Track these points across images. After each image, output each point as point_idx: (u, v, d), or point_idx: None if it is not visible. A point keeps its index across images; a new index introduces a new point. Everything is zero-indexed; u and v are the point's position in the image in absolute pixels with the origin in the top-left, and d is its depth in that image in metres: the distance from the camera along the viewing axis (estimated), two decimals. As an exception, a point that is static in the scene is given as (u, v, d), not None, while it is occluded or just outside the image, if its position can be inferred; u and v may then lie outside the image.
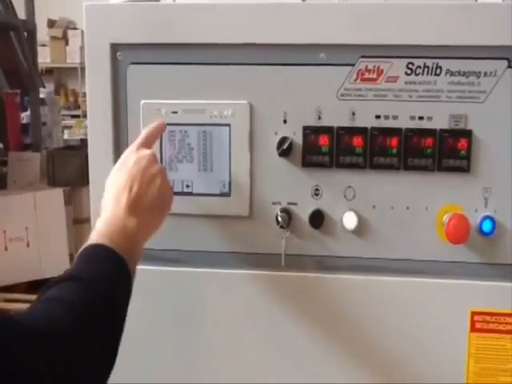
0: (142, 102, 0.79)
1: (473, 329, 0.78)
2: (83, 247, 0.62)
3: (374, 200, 0.78)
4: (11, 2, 3.62)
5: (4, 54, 3.60)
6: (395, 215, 0.78)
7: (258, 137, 0.78)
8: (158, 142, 0.80)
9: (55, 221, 3.18)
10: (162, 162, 0.80)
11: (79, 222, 3.39)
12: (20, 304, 2.90)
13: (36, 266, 3.14)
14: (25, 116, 3.58)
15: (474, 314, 0.78)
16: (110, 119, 0.80)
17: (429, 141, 0.75)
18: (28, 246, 3.17)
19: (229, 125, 0.78)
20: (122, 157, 0.72)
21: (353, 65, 0.76)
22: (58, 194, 3.21)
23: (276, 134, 0.78)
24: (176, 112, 0.79)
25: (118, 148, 0.81)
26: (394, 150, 0.76)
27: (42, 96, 3.46)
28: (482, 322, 0.78)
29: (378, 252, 0.79)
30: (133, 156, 0.70)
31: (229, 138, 0.79)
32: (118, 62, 0.79)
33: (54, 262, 3.22)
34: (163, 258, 0.81)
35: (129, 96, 0.80)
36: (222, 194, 0.80)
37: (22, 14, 3.47)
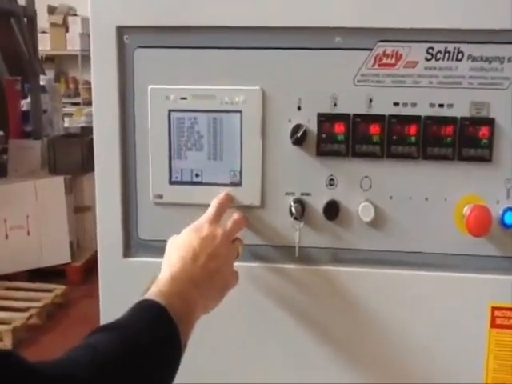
0: (150, 87, 0.76)
1: (493, 324, 0.76)
2: (141, 299, 0.60)
3: (392, 190, 0.75)
4: (11, -12, 3.56)
5: (4, 41, 3.57)
6: (413, 206, 0.75)
7: (270, 124, 0.75)
8: (166, 130, 0.77)
9: (56, 209, 3.16)
10: (170, 150, 0.77)
11: (80, 210, 3.37)
12: (21, 292, 2.91)
13: (37, 255, 3.13)
14: (25, 103, 3.55)
15: (494, 309, 0.76)
16: (117, 105, 0.77)
17: (449, 129, 0.72)
18: (29, 234, 3.16)
19: (240, 111, 0.75)
20: (196, 223, 0.71)
21: (370, 49, 0.72)
22: (58, 182, 3.19)
23: (290, 121, 0.75)
24: (185, 98, 0.76)
25: (125, 135, 0.78)
26: (413, 139, 0.73)
27: (42, 83, 3.43)
28: (502, 318, 0.76)
29: (395, 245, 0.76)
30: (208, 227, 0.69)
31: (240, 125, 0.75)
32: (124, 45, 0.76)
33: (55, 250, 3.21)
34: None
35: (136, 81, 0.77)
36: (233, 184, 0.77)
37: (22, 0, 3.43)
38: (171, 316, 0.59)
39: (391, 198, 0.75)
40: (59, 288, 2.92)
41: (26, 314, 2.67)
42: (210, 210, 0.73)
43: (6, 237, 3.13)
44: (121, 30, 0.76)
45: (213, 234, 0.69)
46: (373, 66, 0.73)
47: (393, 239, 0.76)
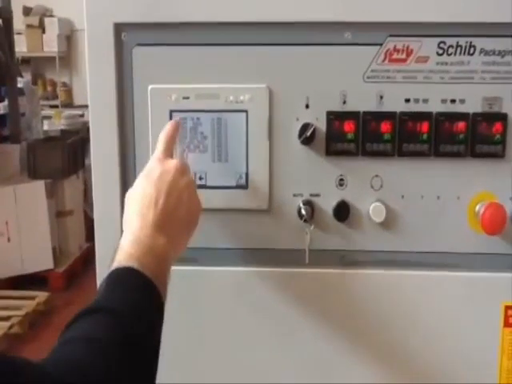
0: (150, 87, 0.73)
1: (506, 324, 0.74)
2: (111, 270, 0.57)
3: (403, 190, 0.73)
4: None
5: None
6: (425, 205, 0.73)
7: (277, 123, 0.72)
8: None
9: (37, 214, 3.08)
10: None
11: (62, 214, 3.30)
12: (2, 300, 2.83)
13: (18, 261, 3.05)
14: (2, 106, 3.46)
15: (507, 308, 0.74)
16: (115, 107, 0.73)
17: (461, 125, 0.71)
18: (9, 241, 3.07)
19: (246, 111, 0.72)
20: (146, 167, 0.66)
21: (380, 44, 0.70)
22: (39, 186, 3.12)
23: (297, 120, 0.72)
24: (187, 97, 0.72)
25: (124, 138, 0.75)
26: (425, 136, 0.71)
27: (19, 86, 3.34)
28: (515, 317, 0.74)
29: (408, 245, 0.74)
30: (158, 167, 0.65)
31: (246, 125, 0.72)
32: (122, 43, 0.72)
33: (37, 256, 3.13)
34: (176, 256, 0.75)
35: (135, 81, 0.73)
36: (239, 187, 0.74)
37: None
38: (147, 276, 0.56)
39: (403, 197, 0.73)
40: (42, 295, 2.85)
41: (8, 324, 2.60)
42: (158, 147, 0.68)
43: (-14, 244, 3.05)
44: (118, 27, 0.72)
45: (165, 170, 0.64)
46: (383, 61, 0.70)
47: (405, 239, 0.74)
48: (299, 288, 0.75)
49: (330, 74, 0.71)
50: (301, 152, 0.73)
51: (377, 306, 0.75)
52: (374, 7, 0.69)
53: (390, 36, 0.70)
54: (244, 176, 0.74)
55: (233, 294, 0.75)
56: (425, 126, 0.71)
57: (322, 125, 0.72)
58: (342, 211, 0.73)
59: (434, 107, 0.71)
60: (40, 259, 3.10)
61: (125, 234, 0.61)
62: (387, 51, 0.70)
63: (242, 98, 0.72)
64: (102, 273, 0.78)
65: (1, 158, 3.21)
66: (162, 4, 0.71)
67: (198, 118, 0.73)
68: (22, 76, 3.63)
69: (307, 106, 0.72)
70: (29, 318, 2.70)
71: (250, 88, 0.72)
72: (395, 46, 0.70)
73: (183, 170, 0.66)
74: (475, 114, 0.70)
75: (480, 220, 0.71)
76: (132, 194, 0.65)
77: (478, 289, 0.74)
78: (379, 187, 0.73)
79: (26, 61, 5.18)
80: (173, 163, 0.65)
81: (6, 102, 3.37)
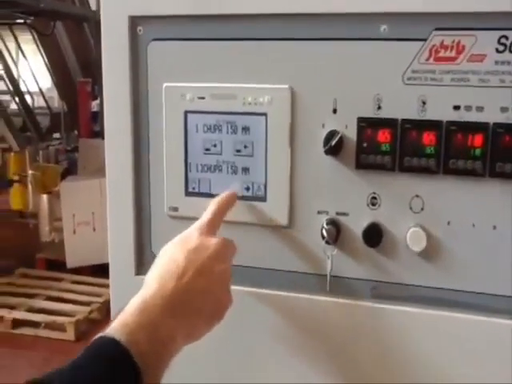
0: (165, 85, 0.67)
1: None
2: (97, 336, 0.50)
3: (449, 215, 0.61)
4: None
5: (78, 44, 3.68)
6: (477, 235, 0.60)
7: (300, 130, 0.63)
8: (182, 134, 0.67)
9: (121, 207, 3.20)
10: (186, 157, 0.67)
11: (145, 209, 3.40)
12: (84, 286, 2.99)
13: (101, 251, 3.18)
14: (95, 104, 3.64)
15: None
16: (129, 104, 0.69)
17: (526, 140, 0.57)
18: (94, 230, 3.22)
19: (265, 114, 0.64)
20: (184, 233, 0.59)
21: (424, 40, 0.58)
22: (123, 180, 3.24)
23: (323, 126, 0.62)
24: (203, 98, 0.65)
25: (138, 138, 0.70)
26: (478, 151, 0.58)
27: (111, 83, 3.49)
28: None
29: (452, 282, 0.62)
30: (197, 238, 0.57)
31: (265, 130, 0.64)
32: (138, 37, 0.67)
33: (119, 247, 3.25)
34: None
35: (150, 78, 0.68)
36: (256, 198, 0.66)
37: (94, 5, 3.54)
38: (132, 359, 0.47)
39: (449, 223, 0.61)
40: (120, 285, 2.96)
41: (88, 309, 2.76)
42: (205, 216, 0.60)
43: (74, 232, 3.24)
44: (134, 21, 0.67)
45: (204, 245, 0.56)
46: (427, 60, 0.59)
47: (449, 275, 0.62)
48: (317, 319, 0.65)
49: (362, 74, 0.60)
50: (327, 163, 0.63)
51: (409, 348, 0.63)
52: (417, -6, 0.57)
53: (437, 29, 0.58)
54: (262, 187, 0.66)
55: (240, 316, 0.67)
56: (478, 139, 0.58)
57: (351, 133, 0.62)
58: (374, 235, 0.63)
59: (491, 117, 0.58)
60: (121, 250, 3.20)
61: (137, 295, 0.54)
62: (432, 48, 0.58)
63: (261, 99, 0.64)
64: (115, 283, 0.74)
65: (91, 152, 3.37)
66: (179, -6, 0.64)
67: (213, 120, 0.66)
68: (114, 74, 3.80)
69: (335, 111, 0.62)
70: (107, 305, 2.84)
71: (270, 88, 0.63)
72: (442, 42, 0.58)
73: (224, 253, 0.58)
74: (545, 127, 0.57)
75: (544, 258, 0.57)
76: (163, 253, 0.58)
77: (540, 342, 0.60)
78: (419, 210, 0.62)
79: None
80: (215, 241, 0.57)
81: (98, 100, 3.53)
